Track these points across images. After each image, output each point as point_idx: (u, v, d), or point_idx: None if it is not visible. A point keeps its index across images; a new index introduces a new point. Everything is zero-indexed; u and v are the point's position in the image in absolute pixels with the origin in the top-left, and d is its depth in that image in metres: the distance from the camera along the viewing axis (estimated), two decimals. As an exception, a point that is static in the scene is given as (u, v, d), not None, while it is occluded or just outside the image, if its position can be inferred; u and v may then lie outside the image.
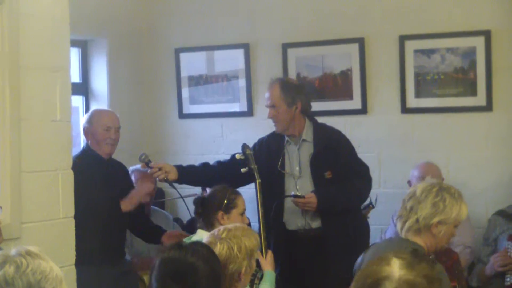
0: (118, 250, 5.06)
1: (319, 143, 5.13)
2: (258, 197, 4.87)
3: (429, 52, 5.95)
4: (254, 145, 5.26)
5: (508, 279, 5.01)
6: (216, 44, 6.57)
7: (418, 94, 6.00)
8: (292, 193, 5.03)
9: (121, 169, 5.21)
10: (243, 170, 4.98)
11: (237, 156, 5.04)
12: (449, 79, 5.91)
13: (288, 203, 5.08)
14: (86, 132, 5.01)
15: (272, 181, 5.08)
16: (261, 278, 4.28)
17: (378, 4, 6.12)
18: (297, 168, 5.13)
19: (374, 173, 5.44)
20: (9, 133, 3.97)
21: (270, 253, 4.50)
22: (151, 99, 6.80)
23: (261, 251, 4.54)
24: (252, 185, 4.98)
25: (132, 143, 6.22)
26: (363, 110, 6.16)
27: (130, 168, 5.56)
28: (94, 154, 4.96)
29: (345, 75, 6.19)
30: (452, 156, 5.92)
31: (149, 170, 5.08)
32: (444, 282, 3.02)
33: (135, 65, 6.72)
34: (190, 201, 4.93)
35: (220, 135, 6.59)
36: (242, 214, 4.58)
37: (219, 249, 3.38)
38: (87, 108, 6.40)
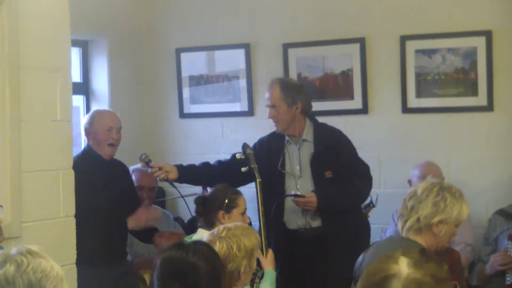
0: (119, 250, 5.05)
1: (320, 142, 5.13)
2: (259, 197, 4.87)
3: (430, 52, 5.95)
4: (255, 145, 5.27)
5: (509, 278, 5.02)
6: (217, 44, 6.57)
7: (419, 94, 6.00)
8: (293, 192, 5.03)
9: (122, 169, 5.21)
10: (243, 169, 4.98)
11: (238, 156, 5.04)
12: (450, 79, 5.91)
13: (289, 202, 5.08)
14: (88, 132, 5.00)
15: (273, 180, 5.08)
16: (261, 277, 4.28)
17: (379, 4, 6.12)
18: (298, 168, 5.13)
19: (374, 173, 5.44)
20: (10, 132, 3.97)
21: (270, 252, 4.50)
22: (151, 99, 6.80)
23: (262, 250, 4.54)
24: (253, 184, 4.98)
25: (133, 142, 6.22)
26: (364, 110, 6.16)
27: (131, 168, 5.57)
28: (95, 154, 4.96)
29: (346, 75, 6.19)
30: (453, 156, 5.92)
31: (149, 170, 5.09)
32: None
33: (136, 65, 6.72)
34: (190, 200, 4.94)
35: (221, 135, 6.59)
36: (243, 213, 4.58)
37: (218, 248, 3.38)
38: (87, 108, 6.40)
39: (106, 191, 4.87)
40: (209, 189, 5.06)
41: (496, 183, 5.80)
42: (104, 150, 4.96)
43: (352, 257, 3.82)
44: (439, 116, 5.97)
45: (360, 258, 3.68)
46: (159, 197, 6.22)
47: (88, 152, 4.99)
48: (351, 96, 6.19)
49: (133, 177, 5.51)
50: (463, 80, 5.88)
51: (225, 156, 5.52)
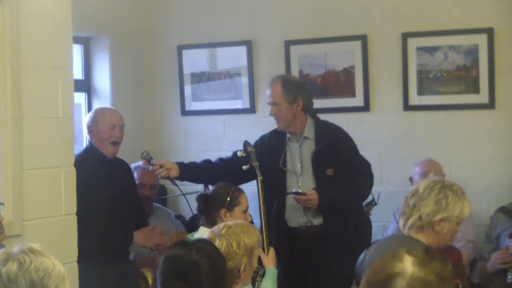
0: (121, 249, 5.03)
1: (321, 140, 5.12)
2: (260, 194, 4.87)
3: (431, 50, 5.95)
4: (256, 143, 5.26)
5: (510, 277, 5.03)
6: (218, 41, 6.57)
7: (420, 92, 5.99)
8: (294, 190, 5.03)
9: (124, 168, 5.20)
10: (244, 167, 4.98)
11: (239, 153, 5.04)
12: (452, 77, 5.91)
13: (290, 200, 5.08)
14: (91, 130, 4.99)
15: (274, 178, 5.08)
16: (263, 275, 4.28)
17: (380, 2, 6.11)
18: (299, 165, 5.13)
19: (376, 171, 5.43)
20: (11, 130, 3.97)
21: (272, 250, 4.50)
22: (153, 96, 6.80)
23: (263, 248, 4.54)
24: (254, 182, 4.98)
25: (134, 140, 6.21)
26: (366, 108, 6.16)
27: (132, 165, 5.57)
28: (97, 152, 4.95)
29: (348, 72, 6.19)
30: (455, 153, 5.92)
31: (150, 167, 5.09)
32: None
33: (138, 62, 6.72)
34: (192, 198, 4.94)
35: (222, 132, 6.58)
36: (245, 211, 4.58)
37: (218, 245, 3.38)
38: (89, 105, 6.40)
39: (107, 190, 4.86)
40: (210, 187, 5.06)
41: (498, 181, 5.80)
42: (107, 148, 4.95)
43: (354, 255, 3.82)
44: (441, 114, 5.97)
45: (362, 256, 3.67)
46: (161, 195, 6.22)
47: (90, 150, 4.98)
48: (352, 94, 6.19)
49: (135, 175, 5.51)
50: (464, 77, 5.88)
51: (227, 153, 5.51)
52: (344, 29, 6.19)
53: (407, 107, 6.04)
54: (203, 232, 4.19)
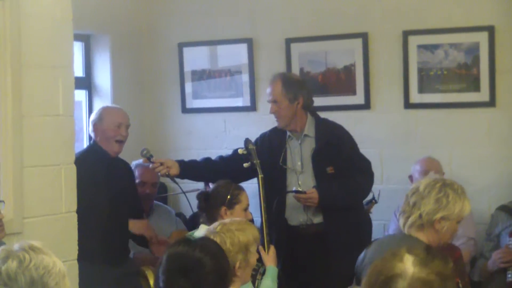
0: (121, 248, 5.03)
1: (321, 138, 5.12)
2: (261, 192, 4.87)
3: (432, 48, 5.94)
4: (256, 140, 5.26)
5: (510, 275, 5.02)
6: (219, 38, 6.56)
7: (421, 90, 5.99)
8: (294, 188, 5.02)
9: (125, 167, 5.21)
10: (245, 165, 4.98)
11: (240, 151, 5.04)
12: (452, 75, 5.91)
13: (290, 198, 5.08)
14: (96, 128, 4.98)
15: (274, 176, 5.07)
16: (263, 274, 4.29)
17: (381, 0, 6.11)
18: (299, 164, 5.13)
19: (376, 169, 5.43)
20: (12, 128, 3.97)
21: (272, 248, 4.51)
22: (154, 94, 6.80)
23: (264, 247, 4.55)
24: (255, 180, 4.99)
25: (135, 137, 6.18)
26: (366, 106, 6.15)
27: (133, 163, 5.57)
28: (100, 150, 4.95)
29: (348, 70, 6.19)
30: (455, 152, 5.92)
31: (150, 165, 5.09)
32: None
33: (138, 59, 6.72)
34: (192, 196, 4.94)
35: (223, 130, 6.58)
36: (246, 209, 4.59)
37: None
38: (90, 103, 6.40)
39: (108, 188, 4.86)
40: (211, 185, 5.06)
41: (498, 179, 5.80)
42: (112, 146, 4.96)
43: (354, 254, 3.82)
44: (441, 112, 5.97)
45: (362, 255, 3.67)
46: (161, 193, 6.22)
47: (93, 148, 4.99)
48: (353, 92, 6.19)
49: (136, 173, 5.51)
50: (465, 75, 5.88)
51: (228, 151, 5.51)
52: (344, 27, 6.18)
53: (408, 105, 6.04)
54: (203, 230, 4.19)
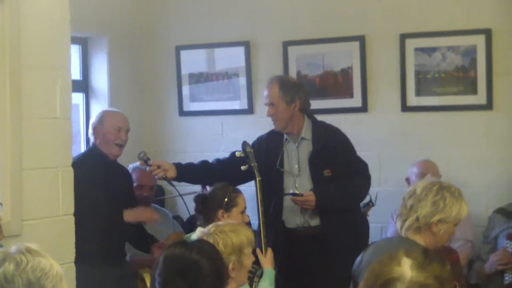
0: (119, 250, 5.04)
1: (318, 141, 5.12)
2: (258, 195, 4.87)
3: (429, 51, 5.95)
4: (253, 143, 5.26)
5: (507, 278, 5.03)
6: (216, 41, 6.57)
7: (418, 93, 6.00)
8: (291, 191, 5.02)
9: (122, 171, 5.22)
10: (243, 168, 4.98)
11: (237, 154, 5.04)
12: (450, 78, 5.91)
13: (287, 201, 5.08)
14: (96, 131, 5.00)
15: (271, 179, 5.07)
16: (260, 276, 4.29)
17: (379, 2, 6.12)
18: (296, 166, 5.13)
19: (374, 172, 5.44)
20: (10, 130, 3.97)
21: (269, 251, 4.51)
22: (151, 97, 6.80)
23: (261, 249, 4.55)
24: (252, 183, 4.98)
25: (132, 140, 6.16)
26: (364, 108, 6.16)
27: (130, 166, 5.57)
28: (100, 153, 4.96)
29: (346, 73, 6.19)
30: (453, 154, 5.93)
31: (147, 168, 5.09)
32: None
33: (136, 62, 6.72)
34: (189, 199, 4.93)
35: (220, 133, 6.58)
36: (243, 212, 4.58)
37: None
38: (87, 106, 6.40)
39: (107, 190, 4.86)
40: (208, 188, 5.06)
41: (496, 182, 5.80)
42: (111, 150, 4.97)
43: (351, 256, 3.81)
44: (439, 115, 5.98)
45: (359, 258, 3.67)
46: (158, 196, 6.22)
47: (93, 151, 5.00)
48: (350, 94, 6.19)
49: (133, 176, 5.51)
50: (462, 78, 5.88)
51: (225, 154, 5.52)
52: (342, 30, 6.19)
53: (405, 108, 6.04)
54: (199, 233, 4.19)
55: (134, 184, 5.51)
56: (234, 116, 6.55)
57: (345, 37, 6.18)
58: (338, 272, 4.61)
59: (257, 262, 4.33)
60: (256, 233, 4.84)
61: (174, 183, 5.13)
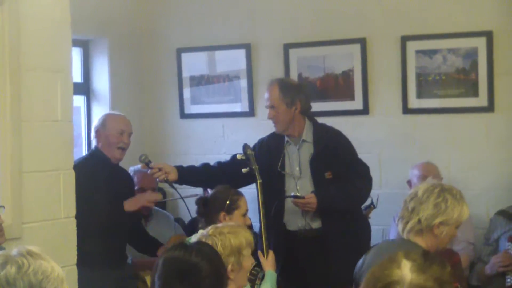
0: (120, 253, 5.05)
1: (319, 143, 5.12)
2: (259, 198, 4.87)
3: (430, 53, 5.95)
4: (254, 146, 5.26)
5: (509, 280, 5.03)
6: (217, 44, 6.57)
7: (419, 95, 5.99)
8: (292, 193, 5.02)
9: (124, 174, 5.23)
10: (244, 170, 4.97)
11: (238, 157, 5.04)
12: (451, 80, 5.91)
13: (289, 203, 5.07)
14: (99, 134, 5.00)
15: (273, 181, 5.07)
16: (262, 278, 4.29)
17: (379, 5, 6.11)
18: (297, 169, 5.12)
19: (375, 174, 5.44)
20: (11, 133, 3.97)
21: (271, 253, 4.51)
22: (152, 99, 6.80)
23: (262, 251, 4.54)
24: (253, 185, 4.98)
25: (133, 143, 6.16)
26: (365, 111, 6.16)
27: (131, 169, 5.57)
28: (102, 156, 4.96)
29: (347, 75, 6.19)
30: (454, 156, 5.92)
31: (149, 171, 5.09)
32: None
33: (137, 65, 6.72)
34: (190, 201, 4.94)
35: (222, 135, 6.58)
36: (244, 215, 4.59)
37: None
38: (88, 108, 6.40)
39: (108, 194, 4.86)
40: (210, 190, 5.06)
41: (497, 184, 5.80)
42: (114, 153, 4.97)
43: (353, 259, 3.80)
44: (440, 117, 5.97)
45: (361, 261, 3.66)
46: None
47: (95, 154, 5.00)
48: (351, 97, 6.19)
49: (135, 179, 5.51)
50: (463, 80, 5.88)
51: (226, 156, 5.52)
52: (343, 32, 6.19)
53: (406, 110, 6.04)
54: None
55: (136, 187, 5.51)
56: (235, 118, 6.55)
57: (346, 40, 6.18)
58: (340, 274, 4.61)
59: (258, 265, 4.33)
60: (258, 235, 4.85)
61: (176, 185, 5.13)
